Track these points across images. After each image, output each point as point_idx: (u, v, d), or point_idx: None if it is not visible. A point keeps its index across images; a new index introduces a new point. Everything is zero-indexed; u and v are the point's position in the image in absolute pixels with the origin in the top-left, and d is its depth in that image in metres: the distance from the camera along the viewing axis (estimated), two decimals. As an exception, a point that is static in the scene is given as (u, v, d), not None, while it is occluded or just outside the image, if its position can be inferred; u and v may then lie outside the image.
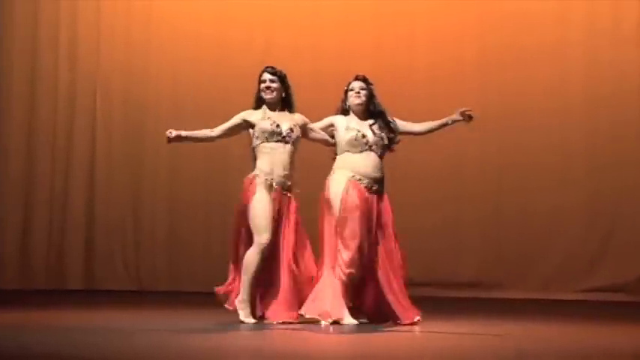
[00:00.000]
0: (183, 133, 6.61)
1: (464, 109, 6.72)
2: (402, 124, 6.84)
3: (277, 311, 6.50)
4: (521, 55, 9.10)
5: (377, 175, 6.63)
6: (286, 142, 6.60)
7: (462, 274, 9.08)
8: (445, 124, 6.82)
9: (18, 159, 9.50)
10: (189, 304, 7.96)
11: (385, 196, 6.68)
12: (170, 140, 6.61)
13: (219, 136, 6.71)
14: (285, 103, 6.73)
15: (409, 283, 8.45)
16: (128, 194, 9.53)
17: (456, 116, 6.75)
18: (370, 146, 6.64)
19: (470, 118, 6.73)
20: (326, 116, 6.87)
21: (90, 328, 6.32)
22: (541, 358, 5.24)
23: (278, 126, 6.60)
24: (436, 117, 9.15)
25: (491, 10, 9.21)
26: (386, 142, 6.71)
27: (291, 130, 6.61)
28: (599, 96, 9.03)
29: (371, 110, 6.76)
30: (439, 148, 9.13)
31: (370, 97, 6.77)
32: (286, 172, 6.59)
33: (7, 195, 9.46)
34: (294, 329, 6.31)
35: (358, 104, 6.73)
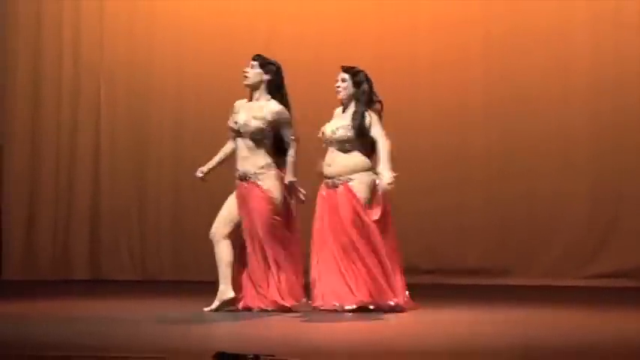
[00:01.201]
0: (209, 168, 6.77)
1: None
2: (373, 129, 6.72)
3: (247, 298, 6.59)
4: (525, 41, 9.06)
5: (330, 170, 6.67)
6: (243, 137, 6.63)
7: (465, 261, 9.07)
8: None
9: (23, 151, 9.50)
10: (194, 293, 7.96)
11: (344, 187, 6.63)
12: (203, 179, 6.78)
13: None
14: (270, 90, 6.70)
15: (413, 271, 8.50)
16: (133, 185, 9.53)
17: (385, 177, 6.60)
18: (330, 142, 6.69)
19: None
20: (328, 105, 6.91)
21: (95, 317, 6.35)
22: (548, 344, 5.25)
23: (236, 122, 6.66)
24: (439, 105, 9.19)
25: (494, -3, 9.19)
26: (348, 135, 6.66)
27: (245, 123, 6.62)
28: (602, 82, 9.00)
29: (358, 101, 6.75)
30: (443, 134, 9.12)
31: (353, 87, 6.73)
32: (243, 164, 6.60)
33: (13, 186, 9.46)
34: (298, 318, 6.32)
35: (340, 100, 6.78)
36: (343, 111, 6.79)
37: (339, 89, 6.73)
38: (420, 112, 9.18)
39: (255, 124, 6.60)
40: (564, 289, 8.52)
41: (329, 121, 6.81)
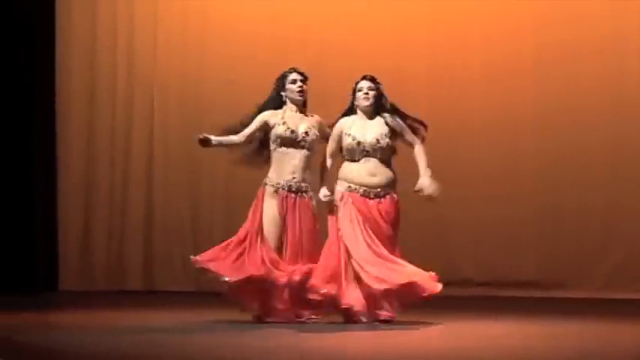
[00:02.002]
0: (214, 139, 6.72)
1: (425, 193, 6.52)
2: (408, 135, 6.69)
3: (273, 311, 6.57)
4: (577, 50, 8.98)
5: (373, 181, 6.58)
6: (302, 147, 6.65)
7: (519, 273, 9.00)
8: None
9: (78, 162, 9.64)
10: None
11: (388, 199, 6.58)
12: (201, 142, 6.71)
13: (245, 142, 6.79)
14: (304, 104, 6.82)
15: (466, 283, 8.42)
16: (186, 195, 9.61)
17: (424, 180, 6.53)
18: (367, 152, 6.60)
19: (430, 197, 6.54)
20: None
21: (149, 328, 6.39)
22: (604, 358, 5.19)
23: (293, 132, 6.66)
24: (491, 115, 9.14)
25: (546, 6, 9.11)
26: (386, 144, 6.60)
27: (307, 133, 6.67)
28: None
29: (382, 108, 6.69)
30: (496, 145, 9.07)
31: (379, 96, 6.70)
32: (295, 176, 6.64)
33: (68, 197, 9.60)
34: (351, 330, 6.31)
35: (366, 106, 6.68)
36: (368, 118, 6.68)
37: (369, 97, 6.66)
38: (472, 122, 9.14)
39: (315, 134, 6.71)
40: (619, 301, 8.41)
41: (347, 129, 6.65)
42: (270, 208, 6.65)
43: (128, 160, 9.65)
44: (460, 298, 8.57)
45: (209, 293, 9.18)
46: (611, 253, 8.90)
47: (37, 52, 9.50)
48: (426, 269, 6.44)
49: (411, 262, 6.53)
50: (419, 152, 6.69)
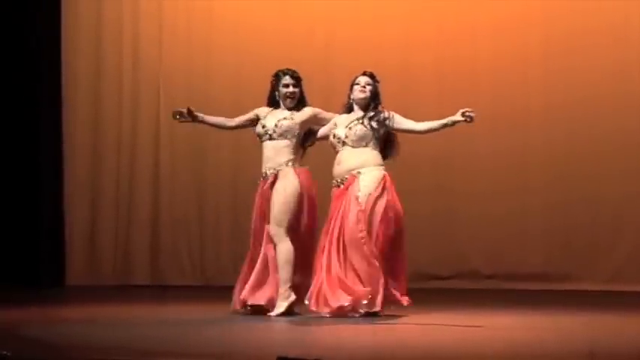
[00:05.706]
0: (199, 115, 7.01)
1: (465, 109, 6.50)
2: (399, 121, 6.70)
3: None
4: (585, 42, 8.93)
5: (343, 169, 6.60)
6: (271, 139, 6.75)
7: (527, 265, 8.98)
8: (446, 125, 6.60)
9: (85, 157, 9.63)
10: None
11: (353, 181, 6.54)
12: (181, 115, 6.98)
13: (236, 127, 7.09)
14: (299, 101, 6.87)
15: (474, 275, 8.39)
16: (192, 190, 9.60)
17: (457, 117, 6.52)
18: (343, 142, 6.62)
19: (470, 119, 6.49)
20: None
21: (157, 322, 6.40)
22: (613, 350, 5.18)
23: (264, 126, 6.81)
24: (499, 107, 9.12)
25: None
26: (370, 133, 6.61)
27: (276, 125, 6.75)
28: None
29: (372, 106, 6.70)
30: (505, 138, 9.04)
31: (375, 93, 6.71)
32: (268, 165, 6.74)
33: (75, 192, 9.59)
34: (358, 322, 6.30)
35: (362, 98, 6.70)
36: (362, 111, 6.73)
37: (365, 91, 6.69)
38: (480, 115, 9.07)
39: (287, 125, 6.80)
40: (629, 294, 8.38)
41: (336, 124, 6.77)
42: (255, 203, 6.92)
43: (134, 155, 9.64)
44: (469, 291, 8.56)
45: (216, 287, 9.22)
46: (619, 245, 8.88)
47: (42, 54, 9.49)
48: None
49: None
50: (423, 123, 6.68)
